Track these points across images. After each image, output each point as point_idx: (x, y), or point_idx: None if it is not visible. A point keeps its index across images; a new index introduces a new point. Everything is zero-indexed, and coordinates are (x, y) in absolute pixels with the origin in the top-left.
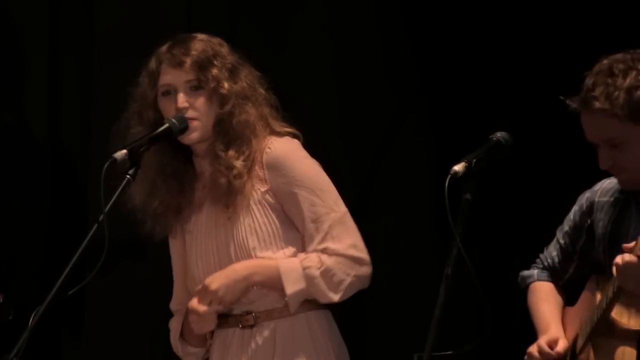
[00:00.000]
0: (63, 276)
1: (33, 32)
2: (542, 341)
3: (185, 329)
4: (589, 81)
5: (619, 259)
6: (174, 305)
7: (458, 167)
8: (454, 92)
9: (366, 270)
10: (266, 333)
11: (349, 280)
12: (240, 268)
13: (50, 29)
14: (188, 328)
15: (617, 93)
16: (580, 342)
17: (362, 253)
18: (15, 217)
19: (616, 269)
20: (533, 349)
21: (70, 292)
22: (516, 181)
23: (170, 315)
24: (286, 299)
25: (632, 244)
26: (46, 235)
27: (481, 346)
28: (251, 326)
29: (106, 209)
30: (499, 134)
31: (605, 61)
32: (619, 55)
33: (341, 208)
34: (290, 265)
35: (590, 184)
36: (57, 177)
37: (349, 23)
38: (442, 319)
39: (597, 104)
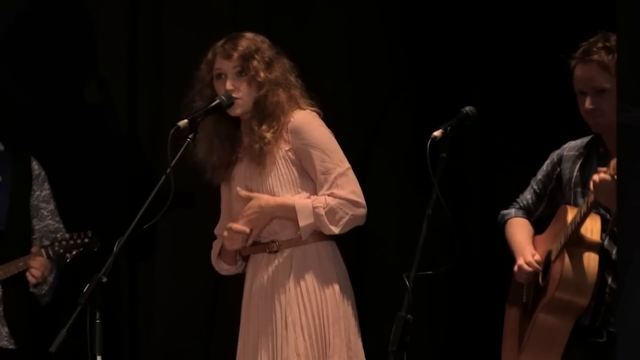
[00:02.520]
0: (139, 214)
1: (114, 32)
2: (526, 256)
3: (222, 250)
4: (588, 44)
5: (595, 177)
6: (217, 230)
7: (437, 133)
8: (435, 76)
9: (362, 211)
10: (285, 257)
11: (347, 217)
12: (269, 204)
13: (130, 28)
14: (224, 249)
15: (612, 52)
16: (554, 253)
17: (360, 198)
18: (102, 171)
19: (593, 185)
20: (522, 263)
21: (145, 227)
22: (490, 144)
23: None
24: (300, 229)
25: (606, 167)
26: (127, 184)
27: (453, 269)
28: (275, 251)
29: (172, 164)
30: (467, 108)
31: (599, 34)
32: (604, 34)
33: (345, 164)
34: (303, 204)
35: (559, 146)
36: (136, 141)
37: (356, 22)
38: (424, 247)
39: (595, 56)
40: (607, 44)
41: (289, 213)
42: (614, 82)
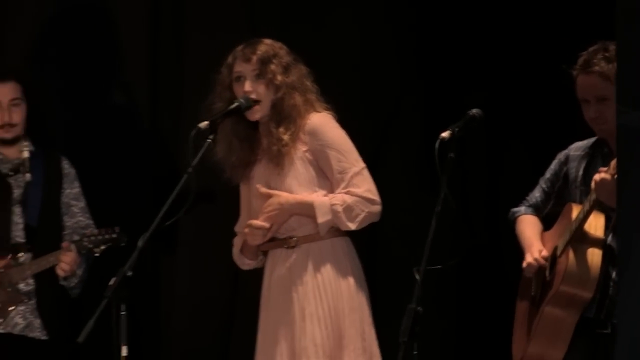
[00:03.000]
0: (162, 211)
1: (135, 32)
2: (533, 252)
3: (244, 245)
4: (588, 55)
5: (597, 177)
6: (238, 227)
7: (445, 134)
8: (442, 79)
9: (377, 208)
10: (303, 252)
11: (363, 214)
12: (289, 202)
13: (151, 34)
14: (245, 244)
15: (612, 62)
16: (559, 249)
17: (375, 196)
18: (127, 171)
19: (594, 184)
20: (530, 259)
21: (168, 223)
22: (500, 145)
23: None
24: (319, 225)
25: (607, 167)
26: (151, 183)
27: (460, 263)
28: (293, 247)
29: (193, 163)
30: (474, 110)
31: (598, 44)
32: (604, 43)
33: (360, 164)
34: (322, 201)
35: (567, 146)
36: (159, 142)
37: (368, 29)
38: (433, 242)
39: (596, 67)
40: (607, 54)
41: (307, 210)
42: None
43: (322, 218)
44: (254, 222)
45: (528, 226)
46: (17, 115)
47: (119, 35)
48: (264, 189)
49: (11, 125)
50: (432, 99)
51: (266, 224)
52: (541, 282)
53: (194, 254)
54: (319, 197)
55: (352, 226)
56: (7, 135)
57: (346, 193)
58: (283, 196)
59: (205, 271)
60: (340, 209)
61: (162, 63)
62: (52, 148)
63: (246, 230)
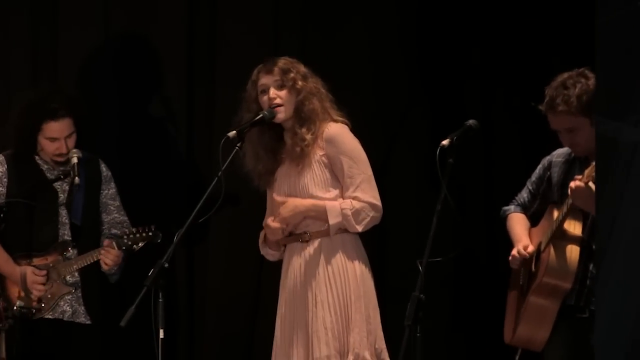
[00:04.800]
0: (195, 210)
1: (174, 53)
2: (519, 246)
3: (266, 238)
4: (551, 93)
5: (572, 184)
6: (264, 222)
7: (445, 142)
8: (446, 93)
9: (379, 214)
10: (315, 245)
11: (368, 219)
12: (303, 205)
13: (187, 53)
14: (268, 238)
15: (571, 99)
16: (543, 245)
17: (379, 202)
18: (165, 175)
19: (570, 191)
20: (514, 252)
21: (200, 220)
22: (494, 153)
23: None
24: (330, 226)
25: (581, 175)
26: (185, 186)
27: (458, 256)
28: (307, 241)
29: (223, 168)
30: (470, 121)
31: (559, 79)
32: (566, 74)
33: (368, 172)
34: (333, 205)
35: (547, 153)
36: (193, 150)
37: (378, 44)
38: (434, 237)
39: (560, 108)
40: (565, 91)
41: (319, 213)
42: (580, 120)
43: (333, 220)
44: (269, 223)
45: (517, 223)
46: (71, 143)
47: (159, 56)
48: (279, 198)
49: (65, 155)
50: (434, 109)
51: (278, 225)
52: (528, 273)
53: (224, 249)
54: (330, 202)
55: (359, 228)
56: (61, 159)
57: (354, 198)
58: (298, 200)
59: (234, 264)
60: (349, 212)
61: (197, 80)
62: (92, 153)
63: (266, 229)
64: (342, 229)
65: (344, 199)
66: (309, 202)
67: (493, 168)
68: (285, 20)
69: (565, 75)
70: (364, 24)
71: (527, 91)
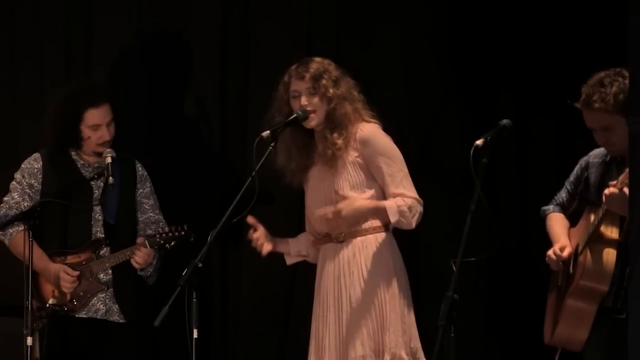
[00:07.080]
0: (229, 210)
1: (208, 54)
2: (556, 247)
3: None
4: (588, 90)
5: (607, 191)
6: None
7: (479, 142)
8: (480, 93)
9: (422, 208)
10: (349, 245)
11: (418, 214)
12: (366, 206)
13: (221, 56)
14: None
15: (608, 97)
16: (580, 247)
17: (419, 198)
18: (199, 174)
19: (605, 197)
20: (550, 252)
21: (234, 220)
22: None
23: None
24: (391, 224)
25: (615, 181)
26: (219, 185)
27: (492, 256)
28: (341, 241)
29: (256, 168)
30: (504, 121)
31: (595, 77)
32: (603, 72)
33: (405, 169)
34: (390, 204)
35: (586, 153)
36: (227, 150)
37: (411, 45)
38: (468, 237)
39: (596, 105)
40: (602, 89)
41: (380, 213)
42: (616, 118)
43: (393, 218)
44: (322, 212)
45: (556, 223)
46: (112, 131)
47: (194, 56)
48: (321, 211)
49: (108, 142)
50: (469, 108)
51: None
52: (566, 275)
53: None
54: (387, 201)
55: (414, 224)
56: (102, 149)
57: (401, 195)
58: (357, 202)
59: (267, 263)
60: (405, 209)
61: (231, 79)
62: (127, 152)
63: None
64: (377, 226)
65: (387, 197)
66: (369, 202)
67: (527, 168)
68: (319, 20)
69: (602, 73)
70: (398, 23)
71: (561, 90)
